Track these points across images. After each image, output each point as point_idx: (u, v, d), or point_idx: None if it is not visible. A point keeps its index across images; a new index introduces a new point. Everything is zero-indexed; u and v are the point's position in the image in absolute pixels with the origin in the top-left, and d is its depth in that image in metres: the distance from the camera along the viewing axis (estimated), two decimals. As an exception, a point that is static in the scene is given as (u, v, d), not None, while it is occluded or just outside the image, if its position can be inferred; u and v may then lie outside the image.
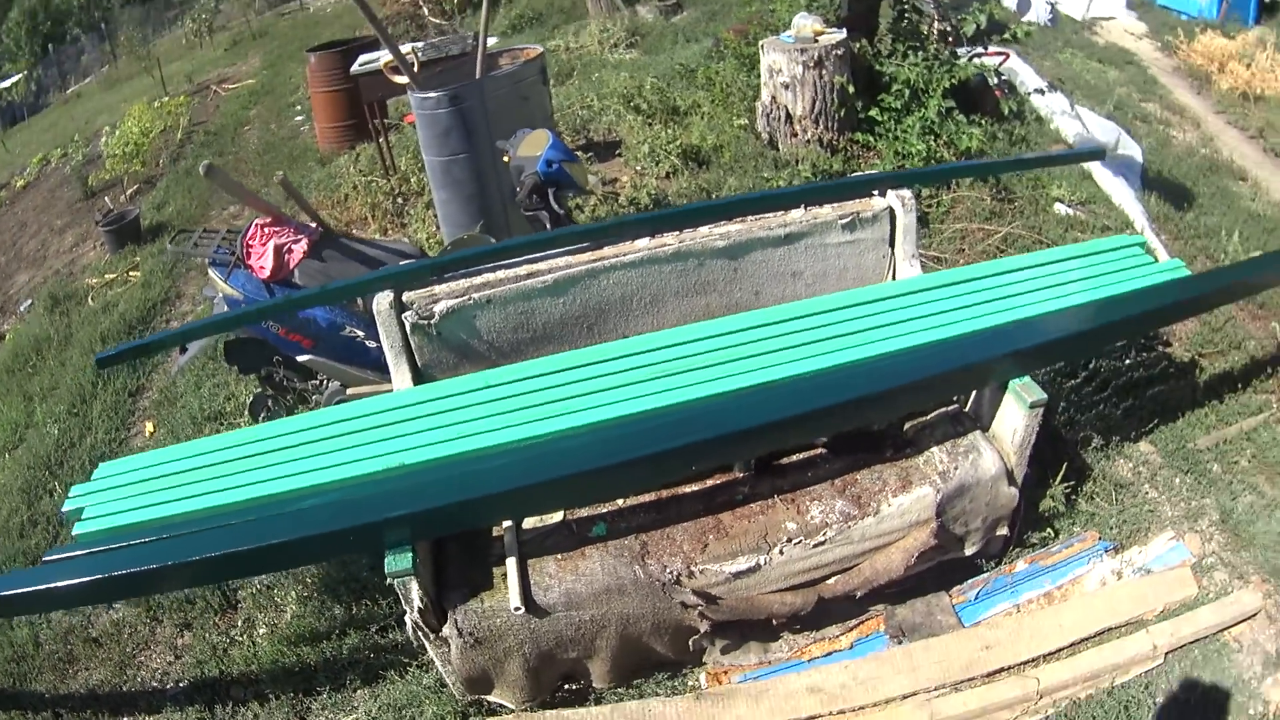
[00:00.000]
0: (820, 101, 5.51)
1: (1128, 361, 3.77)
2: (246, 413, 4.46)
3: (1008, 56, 6.29)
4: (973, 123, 5.44)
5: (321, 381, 4.07)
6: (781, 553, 2.60)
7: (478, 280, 3.10)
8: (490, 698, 2.78)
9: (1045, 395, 2.64)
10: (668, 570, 2.56)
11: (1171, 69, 8.88)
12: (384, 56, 6.13)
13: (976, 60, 5.86)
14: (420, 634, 2.57)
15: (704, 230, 3.21)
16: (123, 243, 7.53)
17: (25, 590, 2.54)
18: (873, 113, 5.50)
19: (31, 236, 9.54)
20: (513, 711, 2.76)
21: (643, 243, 3.17)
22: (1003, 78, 6.24)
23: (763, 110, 5.87)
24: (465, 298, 3.06)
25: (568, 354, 3.04)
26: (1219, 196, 5.82)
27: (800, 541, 2.61)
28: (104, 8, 26.12)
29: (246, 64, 14.08)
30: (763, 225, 3.20)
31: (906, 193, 3.24)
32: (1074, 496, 3.15)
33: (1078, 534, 3.04)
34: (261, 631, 3.38)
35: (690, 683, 2.80)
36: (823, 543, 2.62)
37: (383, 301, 3.05)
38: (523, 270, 3.12)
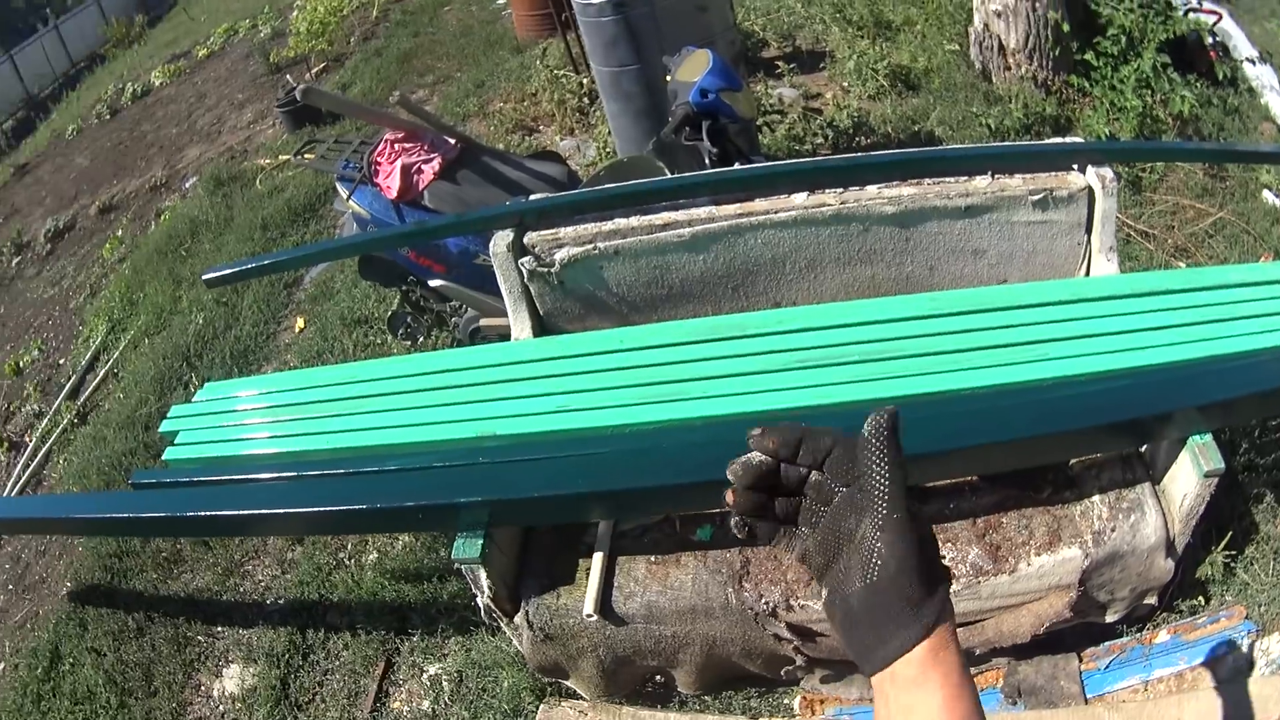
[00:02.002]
0: (1033, 36, 5.03)
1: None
2: (386, 326, 4.40)
3: (1220, 17, 5.63)
4: (1187, 83, 4.93)
5: (460, 304, 3.90)
6: None
7: (607, 227, 2.80)
8: (567, 683, 2.63)
9: (1223, 465, 2.15)
10: (764, 600, 2.27)
11: None
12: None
13: (1192, 15, 5.28)
14: (492, 618, 2.42)
15: (871, 191, 2.77)
16: (301, 123, 7.44)
17: (101, 516, 2.54)
18: (1087, 56, 5.04)
19: (208, 110, 9.67)
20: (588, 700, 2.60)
21: (799, 199, 2.78)
22: (1217, 39, 5.60)
23: (975, 38, 5.39)
24: (591, 246, 2.79)
25: (709, 321, 2.74)
26: None
27: None
28: None
29: None
30: (940, 192, 2.74)
31: (1108, 173, 2.70)
32: (1232, 564, 2.66)
33: (1227, 607, 2.56)
34: (371, 559, 3.34)
35: (784, 702, 2.56)
36: None
37: (501, 242, 2.81)
38: (659, 219, 2.80)
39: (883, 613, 0.76)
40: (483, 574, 2.23)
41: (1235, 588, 2.62)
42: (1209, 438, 2.18)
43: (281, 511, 2.34)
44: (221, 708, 3.11)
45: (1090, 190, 2.73)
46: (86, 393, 5.38)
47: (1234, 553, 2.65)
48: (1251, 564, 2.65)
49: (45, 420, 5.36)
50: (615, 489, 2.17)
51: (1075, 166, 2.78)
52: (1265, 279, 2.64)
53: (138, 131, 10.11)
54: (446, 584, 3.09)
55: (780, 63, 5.90)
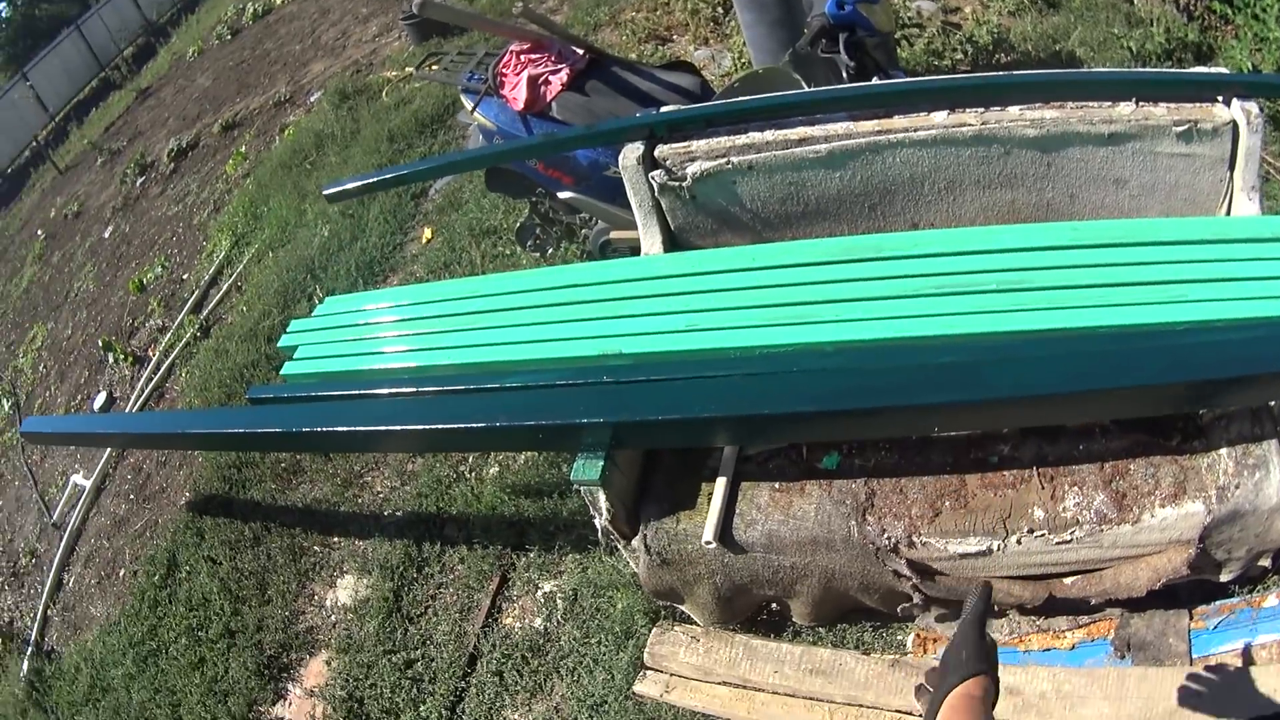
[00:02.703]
0: None
1: None
2: (514, 237, 4.38)
3: None
4: None
5: (590, 217, 3.86)
6: (1019, 542, 2.20)
7: (741, 140, 2.74)
8: (681, 607, 2.62)
9: None
10: (886, 535, 2.22)
11: None
12: None
13: None
14: (610, 539, 2.42)
15: (1013, 112, 2.64)
16: (427, 36, 7.39)
17: (217, 431, 2.60)
18: None
19: (333, 25, 9.70)
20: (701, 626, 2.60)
21: (938, 118, 2.67)
22: None
23: None
24: (724, 160, 2.73)
25: (844, 240, 2.68)
26: None
27: (1043, 535, 2.19)
28: None
29: None
30: (1083, 118, 2.60)
31: (1254, 107, 2.53)
32: None
33: None
34: (492, 472, 3.37)
35: (897, 638, 2.52)
36: (1068, 541, 2.20)
37: (630, 155, 2.77)
38: (795, 134, 2.71)
39: None
40: (602, 496, 2.23)
41: None
42: None
43: (398, 428, 2.35)
44: (334, 618, 3.22)
45: (1235, 125, 2.57)
46: (210, 306, 5.54)
47: None
48: None
49: (169, 335, 5.52)
50: (743, 414, 2.13)
51: (1220, 99, 2.63)
52: None
53: (260, 50, 10.28)
54: (567, 500, 3.09)
55: None
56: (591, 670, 2.67)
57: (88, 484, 4.69)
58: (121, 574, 3.94)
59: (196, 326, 5.35)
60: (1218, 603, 2.42)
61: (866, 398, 2.07)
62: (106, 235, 8.12)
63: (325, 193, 3.41)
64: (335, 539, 3.44)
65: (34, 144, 15.35)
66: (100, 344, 6.03)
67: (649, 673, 2.56)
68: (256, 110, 8.48)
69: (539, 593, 2.96)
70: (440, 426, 2.32)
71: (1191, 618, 2.39)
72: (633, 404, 2.20)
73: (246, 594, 3.36)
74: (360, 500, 3.52)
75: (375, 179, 3.63)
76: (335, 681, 3.01)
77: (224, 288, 5.64)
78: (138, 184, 8.53)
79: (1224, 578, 2.38)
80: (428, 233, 5.04)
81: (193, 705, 3.18)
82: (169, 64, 12.38)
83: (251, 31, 11.27)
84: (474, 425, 2.27)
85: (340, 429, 2.43)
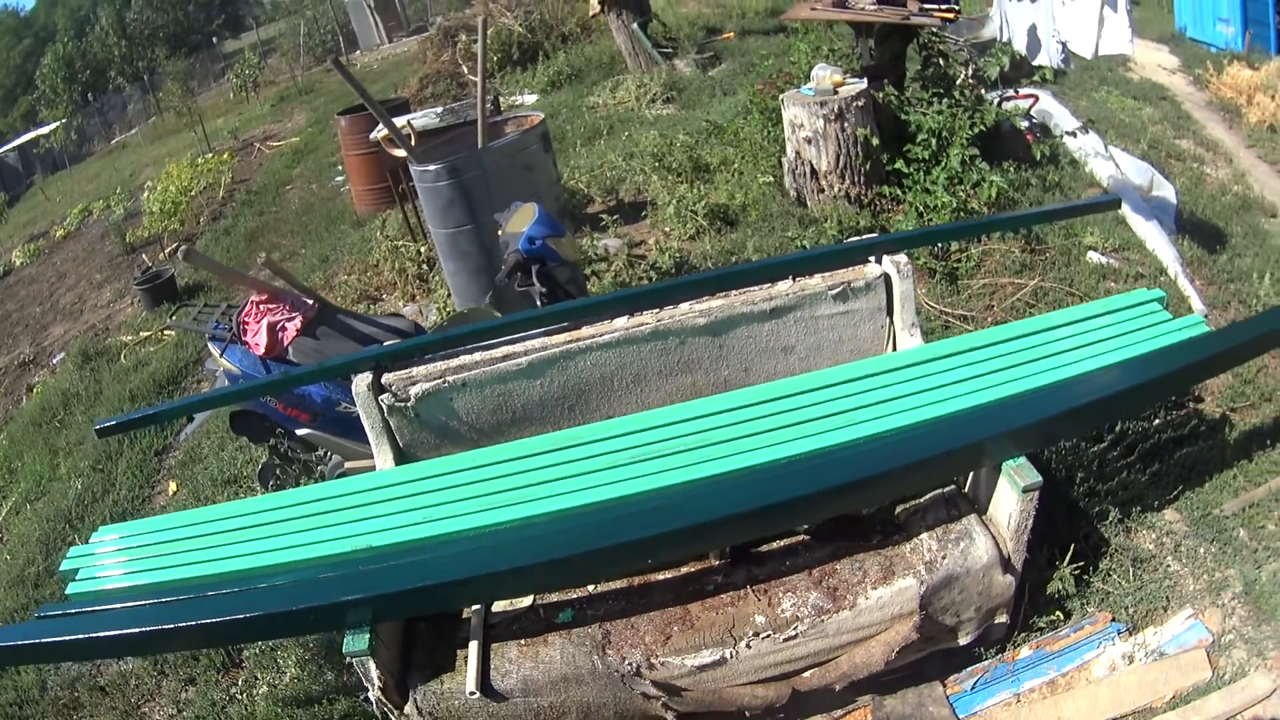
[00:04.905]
0: (844, 155, 5.36)
1: (1156, 422, 3.60)
2: (256, 480, 4.51)
3: (1037, 99, 6.15)
4: (996, 169, 5.24)
5: (325, 453, 4.10)
6: (749, 646, 2.50)
7: (454, 363, 3.08)
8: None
9: (1040, 479, 2.47)
10: (626, 662, 2.48)
11: (1204, 103, 8.78)
12: (413, 119, 6.21)
13: (1007, 104, 5.70)
14: (384, 709, 2.55)
15: (684, 307, 3.12)
16: (158, 301, 7.77)
17: (12, 644, 2.60)
18: (898, 165, 5.35)
19: (69, 289, 9.92)
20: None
21: (620, 322, 3.11)
22: (1035, 120, 6.07)
23: (789, 167, 5.75)
24: (441, 380, 3.05)
25: (549, 436, 2.99)
26: (1252, 236, 5.67)
27: (769, 635, 2.51)
28: (148, 59, 26.39)
29: (292, 120, 14.47)
30: (746, 300, 3.10)
31: (902, 258, 3.10)
32: (1087, 576, 2.99)
33: (1090, 616, 2.89)
34: (262, 691, 3.42)
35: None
36: (794, 636, 2.52)
37: (361, 383, 3.06)
38: (499, 353, 3.09)
39: None
40: (372, 665, 2.40)
41: (1096, 600, 2.95)
42: (1023, 459, 2.51)
43: (185, 625, 2.46)
44: None
45: (887, 276, 3.10)
46: (-29, 558, 5.31)
47: (1082, 565, 2.97)
48: (1109, 575, 2.99)
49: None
50: (480, 573, 2.38)
51: (873, 259, 3.17)
52: (1052, 325, 3.05)
53: (1, 310, 10.31)
54: (335, 704, 3.20)
55: (605, 215, 6.29)
56: None
57: None
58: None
59: (-42, 576, 5.07)
60: (969, 669, 2.75)
61: (584, 543, 2.36)
62: None
63: (97, 428, 3.59)
64: (124, 770, 3.37)
65: None
66: None
67: None
68: (2, 370, 8.53)
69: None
70: (223, 619, 2.45)
71: (946, 686, 2.69)
72: (385, 581, 2.41)
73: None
74: (141, 732, 3.48)
75: (140, 415, 3.80)
76: None
77: (-15, 540, 5.47)
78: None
79: (964, 640, 2.70)
80: (173, 486, 5.18)
81: None
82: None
83: (-9, 291, 11.16)
84: (253, 615, 2.41)
85: (131, 631, 2.50)
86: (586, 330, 3.11)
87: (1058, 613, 2.91)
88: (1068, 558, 2.94)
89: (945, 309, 4.55)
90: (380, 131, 5.89)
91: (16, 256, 12.03)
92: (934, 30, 5.76)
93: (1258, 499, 3.19)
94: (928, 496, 2.80)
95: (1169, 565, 3.03)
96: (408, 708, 2.53)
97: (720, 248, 5.62)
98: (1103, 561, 3.05)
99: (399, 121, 5.71)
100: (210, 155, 12.35)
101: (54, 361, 8.08)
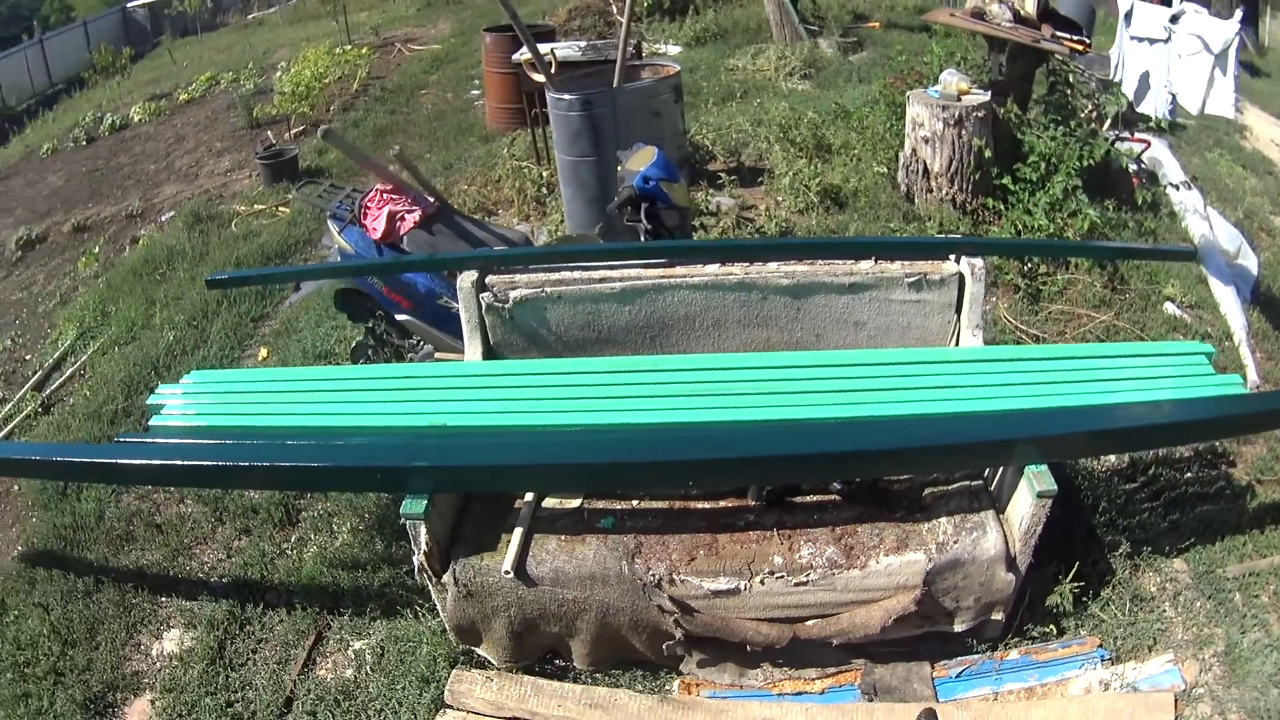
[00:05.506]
0: (957, 161, 5.43)
1: (1188, 475, 3.70)
2: (349, 357, 4.78)
3: (1149, 145, 6.11)
4: (1096, 204, 5.25)
5: (417, 341, 4.35)
6: (763, 583, 2.73)
7: (554, 276, 3.34)
8: (478, 650, 3.02)
9: (1055, 487, 2.62)
10: (651, 573, 2.73)
11: (1310, 185, 8.45)
12: (556, 48, 6.37)
13: (1120, 145, 5.69)
14: (425, 576, 2.82)
15: (772, 266, 3.35)
16: (278, 178, 7.94)
17: (90, 460, 2.88)
18: (1006, 181, 5.41)
19: (187, 152, 10.03)
20: (496, 668, 2.98)
21: (711, 269, 3.34)
22: (1144, 166, 6.05)
23: (904, 162, 5.84)
24: (540, 289, 3.31)
25: (628, 358, 3.26)
26: (1324, 324, 5.55)
27: (783, 576, 2.73)
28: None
29: (436, 28, 14.33)
30: (828, 271, 3.31)
31: (979, 261, 3.26)
32: (1086, 599, 3.13)
33: (1080, 636, 3.03)
34: (311, 551, 3.68)
35: (665, 686, 2.96)
36: (805, 583, 2.73)
37: (466, 280, 3.32)
38: (596, 274, 3.35)
39: None
40: (423, 529, 2.67)
41: (1090, 623, 3.09)
42: (1044, 467, 2.68)
43: (259, 464, 2.72)
44: (158, 664, 3.38)
45: (961, 275, 3.28)
46: (52, 387, 5.62)
47: (1082, 584, 3.11)
48: (1108, 604, 3.13)
49: (8, 406, 5.56)
50: (539, 463, 2.64)
51: (952, 257, 3.35)
52: (1102, 354, 3.25)
53: (114, 162, 10.42)
54: (378, 573, 3.46)
55: (723, 174, 6.44)
56: (397, 711, 2.95)
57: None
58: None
59: (38, 403, 5.42)
60: (959, 658, 2.93)
61: (639, 455, 2.62)
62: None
63: (209, 279, 3.84)
64: (163, 599, 3.62)
65: None
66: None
67: (449, 710, 2.88)
68: (108, 218, 8.65)
69: (350, 649, 3.25)
70: (294, 464, 2.70)
71: (934, 669, 2.86)
72: (451, 455, 2.68)
73: (76, 638, 3.46)
74: (189, 567, 3.73)
75: (255, 273, 4.07)
76: (158, 718, 3.18)
77: (67, 372, 5.74)
78: (-19, 265, 8.48)
79: (958, 627, 2.88)
80: (264, 352, 5.35)
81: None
82: (21, 154, 12.21)
83: (106, 143, 11.37)
84: (322, 464, 2.68)
85: (205, 462, 2.75)
86: (679, 270, 3.35)
87: (1052, 625, 3.06)
88: (1070, 575, 3.09)
89: (1021, 324, 4.65)
90: (523, 55, 6.08)
91: (135, 113, 12.14)
92: (1064, 59, 5.78)
93: (1260, 569, 3.30)
94: (954, 485, 2.99)
95: (1164, 609, 3.16)
96: (446, 577, 2.81)
97: (825, 226, 5.71)
98: (1105, 590, 3.19)
99: (543, 48, 5.89)
100: (349, 47, 12.47)
101: (163, 219, 8.19)
